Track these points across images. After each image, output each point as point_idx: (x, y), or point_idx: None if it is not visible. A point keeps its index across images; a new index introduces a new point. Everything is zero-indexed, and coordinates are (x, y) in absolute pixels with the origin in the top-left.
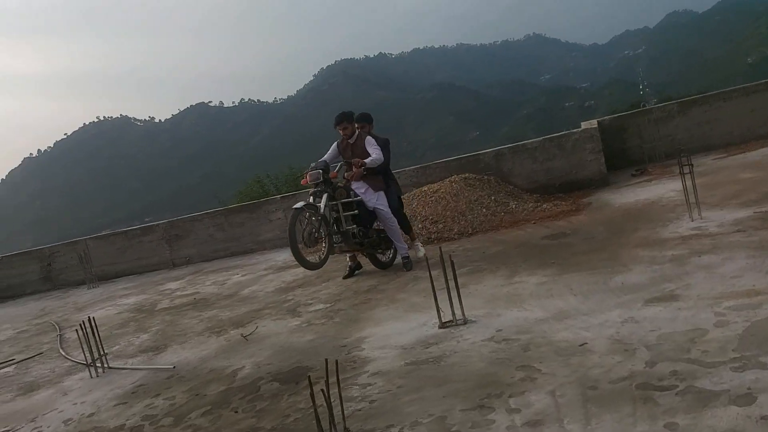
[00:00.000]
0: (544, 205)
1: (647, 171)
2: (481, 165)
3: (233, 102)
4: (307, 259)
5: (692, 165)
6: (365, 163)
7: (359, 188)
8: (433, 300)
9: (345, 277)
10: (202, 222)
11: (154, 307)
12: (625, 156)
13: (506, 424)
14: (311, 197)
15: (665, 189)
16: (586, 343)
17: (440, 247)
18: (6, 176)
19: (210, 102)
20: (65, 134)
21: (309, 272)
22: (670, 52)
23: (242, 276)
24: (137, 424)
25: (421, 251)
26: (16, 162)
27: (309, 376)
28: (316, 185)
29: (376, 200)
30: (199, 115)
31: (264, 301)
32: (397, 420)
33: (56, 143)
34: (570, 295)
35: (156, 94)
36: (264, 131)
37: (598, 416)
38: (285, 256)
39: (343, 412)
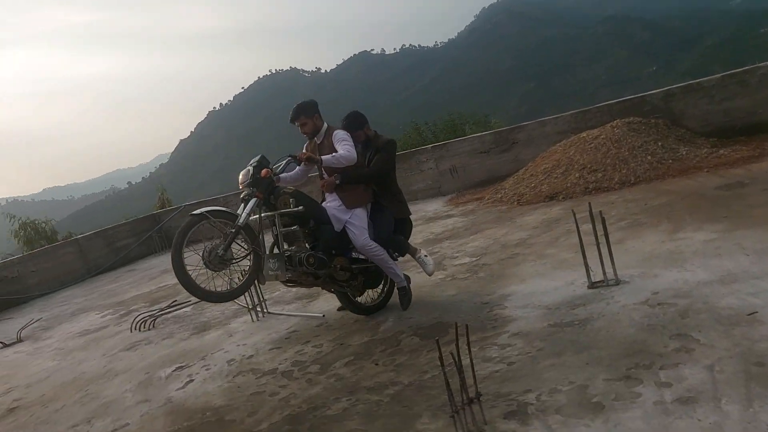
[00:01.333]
0: (721, 151)
1: None
2: (647, 108)
3: (394, 49)
4: (202, 286)
5: None
6: (318, 160)
7: (331, 201)
8: (583, 257)
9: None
10: None
11: None
12: None
13: (654, 398)
14: (241, 204)
15: None
16: (756, 312)
17: (590, 203)
18: (194, 129)
19: (372, 50)
20: (242, 88)
21: (458, 224)
22: None
23: None
24: (288, 369)
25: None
26: (203, 115)
27: (437, 340)
28: (249, 186)
29: (348, 218)
30: (363, 65)
31: None
32: (534, 385)
33: (235, 96)
34: (741, 254)
35: (319, 45)
36: (426, 77)
37: (762, 398)
38: (435, 206)
39: (474, 377)
